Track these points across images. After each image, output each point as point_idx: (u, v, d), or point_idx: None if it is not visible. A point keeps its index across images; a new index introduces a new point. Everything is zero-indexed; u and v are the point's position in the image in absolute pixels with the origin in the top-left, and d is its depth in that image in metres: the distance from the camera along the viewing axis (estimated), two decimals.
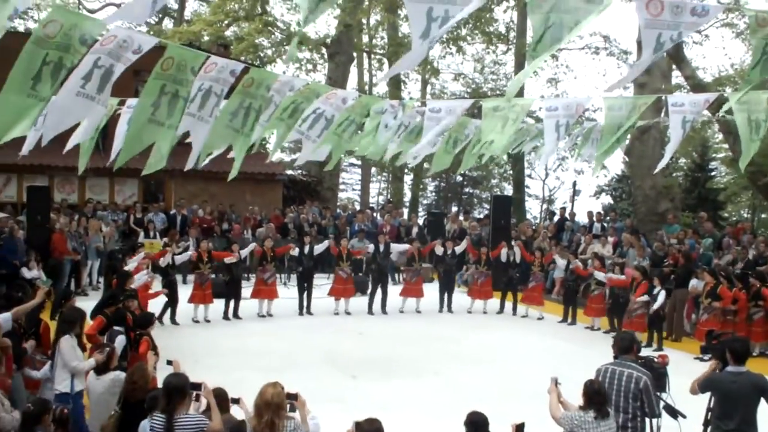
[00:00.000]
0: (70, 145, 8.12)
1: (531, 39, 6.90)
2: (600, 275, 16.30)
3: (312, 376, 11.51)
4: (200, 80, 7.46)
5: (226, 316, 16.15)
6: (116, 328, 9.07)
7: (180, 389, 5.83)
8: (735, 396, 6.67)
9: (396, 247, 19.08)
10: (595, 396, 6.20)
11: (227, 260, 16.27)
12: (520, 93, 33.29)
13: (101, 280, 18.28)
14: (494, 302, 18.55)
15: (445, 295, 18.45)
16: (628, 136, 9.52)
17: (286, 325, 15.94)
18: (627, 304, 15.39)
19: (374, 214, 27.72)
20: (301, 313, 17.00)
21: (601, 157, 9.88)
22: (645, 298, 14.82)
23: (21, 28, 32.54)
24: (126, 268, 13.06)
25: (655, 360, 7.42)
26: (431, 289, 18.84)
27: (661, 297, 14.75)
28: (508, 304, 18.41)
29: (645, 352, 9.13)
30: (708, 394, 7.06)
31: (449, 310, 18.33)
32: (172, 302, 15.46)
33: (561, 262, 18.24)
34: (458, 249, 19.06)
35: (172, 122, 7.11)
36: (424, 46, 6.08)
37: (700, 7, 6.63)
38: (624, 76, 6.70)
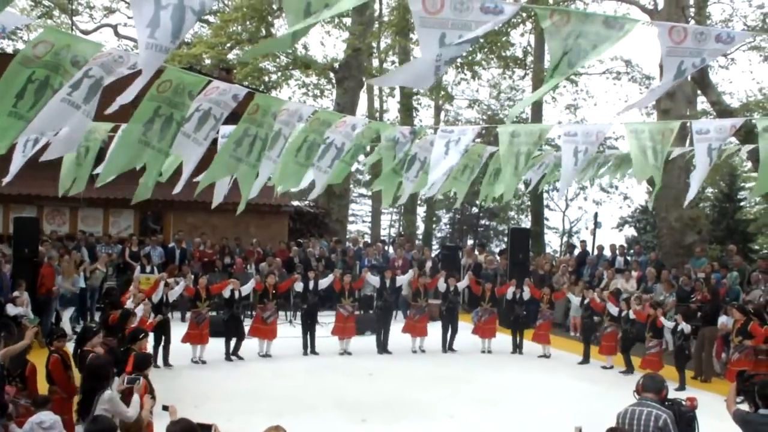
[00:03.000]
0: (51, 155, 7.35)
1: (548, 64, 6.86)
2: (613, 308, 16.24)
3: (319, 420, 11.48)
4: (198, 101, 7.43)
5: (228, 357, 15.99)
6: None
7: None
8: None
9: (402, 279, 18.76)
10: None
11: (227, 289, 16.06)
12: (538, 120, 33.45)
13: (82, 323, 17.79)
14: (498, 340, 18.30)
15: (448, 334, 18.19)
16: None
17: (291, 365, 15.81)
18: (635, 341, 15.57)
19: (385, 248, 27.64)
20: (305, 353, 16.86)
21: (641, 176, 9.76)
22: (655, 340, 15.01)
23: (10, 50, 32.65)
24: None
25: (684, 403, 7.32)
26: (437, 328, 18.51)
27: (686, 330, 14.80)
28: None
29: (672, 395, 9.03)
30: None
31: (451, 349, 18.09)
32: (165, 342, 15.12)
33: (575, 300, 18.09)
34: (460, 285, 18.88)
35: (163, 146, 7.07)
36: (438, 61, 5.97)
37: (725, 34, 6.60)
38: (641, 98, 6.65)
